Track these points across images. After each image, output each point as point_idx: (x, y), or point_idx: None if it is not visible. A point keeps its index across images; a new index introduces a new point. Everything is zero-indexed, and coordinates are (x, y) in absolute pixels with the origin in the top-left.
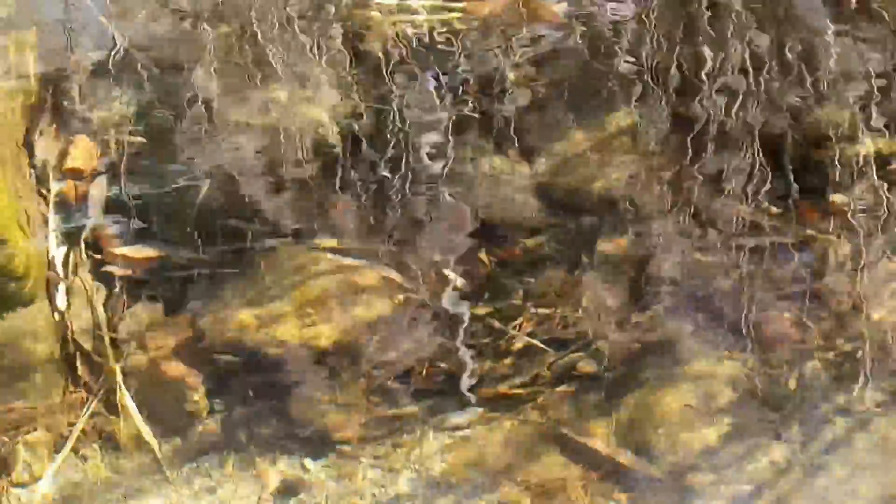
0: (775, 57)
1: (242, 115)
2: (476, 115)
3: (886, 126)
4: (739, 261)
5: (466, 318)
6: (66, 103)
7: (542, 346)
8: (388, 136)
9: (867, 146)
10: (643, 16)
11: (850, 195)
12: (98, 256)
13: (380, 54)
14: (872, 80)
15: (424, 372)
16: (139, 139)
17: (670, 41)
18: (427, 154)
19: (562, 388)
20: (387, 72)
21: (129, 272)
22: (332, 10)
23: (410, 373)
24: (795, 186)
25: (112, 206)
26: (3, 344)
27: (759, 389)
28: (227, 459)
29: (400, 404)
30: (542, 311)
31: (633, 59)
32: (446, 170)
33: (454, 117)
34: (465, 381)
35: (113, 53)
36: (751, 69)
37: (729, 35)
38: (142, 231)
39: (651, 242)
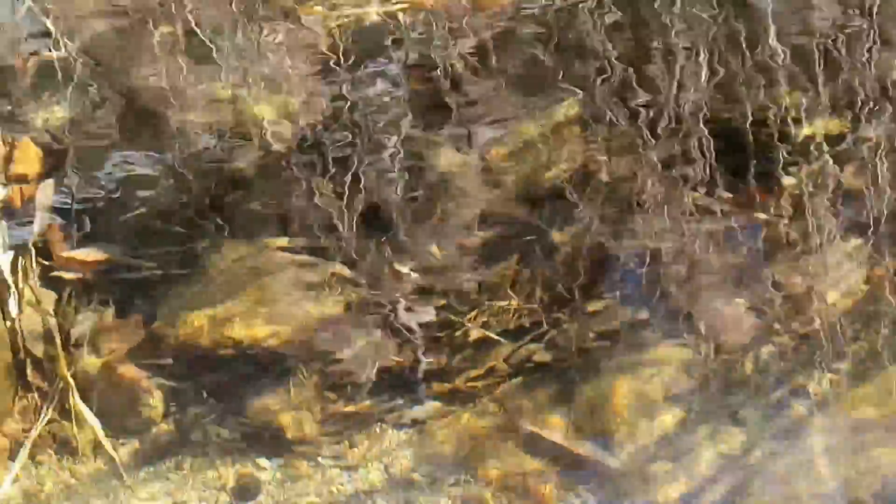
0: (723, 39)
1: (189, 115)
2: (425, 108)
3: (835, 106)
4: (692, 246)
5: (423, 312)
6: (8, 106)
7: (497, 337)
8: (337, 131)
9: (817, 127)
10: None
11: (801, 177)
12: (47, 262)
13: (325, 49)
14: (819, 60)
15: (379, 367)
16: (84, 141)
17: (618, 28)
18: (377, 148)
19: (518, 379)
20: (333, 66)
21: (79, 276)
22: (277, 5)
23: (364, 369)
24: (747, 169)
25: (58, 210)
26: None
27: (715, 375)
28: (185, 461)
29: (356, 401)
30: (496, 303)
31: (580, 47)
32: (397, 163)
33: (403, 111)
34: (421, 376)
35: (56, 55)
36: (700, 52)
37: (676, 19)
38: (90, 234)
39: (603, 231)
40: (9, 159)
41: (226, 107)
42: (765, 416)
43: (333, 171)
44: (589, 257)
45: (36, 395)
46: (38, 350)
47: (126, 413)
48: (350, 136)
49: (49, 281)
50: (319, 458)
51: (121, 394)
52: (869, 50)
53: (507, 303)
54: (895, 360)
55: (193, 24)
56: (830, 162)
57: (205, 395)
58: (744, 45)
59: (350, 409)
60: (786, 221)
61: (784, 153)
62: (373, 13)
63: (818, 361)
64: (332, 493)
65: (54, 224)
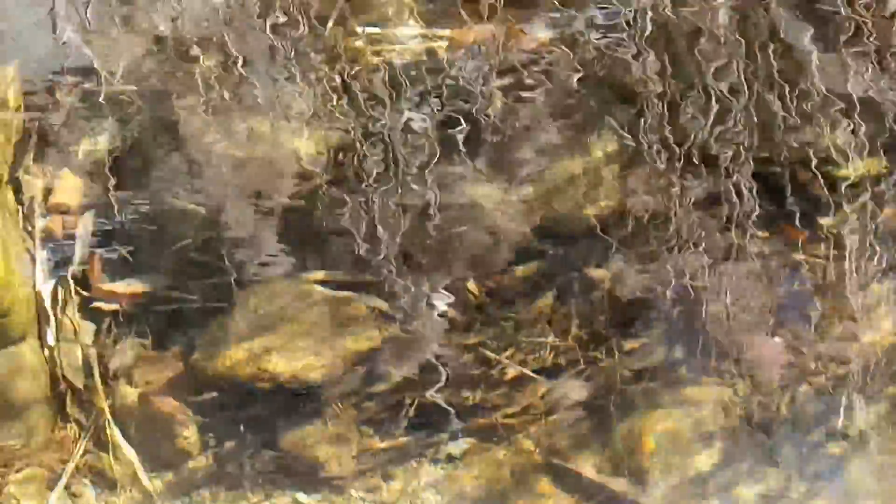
0: (762, 79)
1: (228, 148)
2: (463, 143)
3: (873, 147)
4: (730, 285)
5: (457, 348)
6: (50, 138)
7: (533, 375)
8: (375, 166)
9: (855, 168)
10: (629, 42)
11: (839, 217)
12: (86, 293)
13: (365, 84)
14: (857, 101)
15: (416, 403)
16: (124, 173)
17: (657, 66)
18: (415, 183)
19: (553, 417)
20: (372, 102)
21: (117, 308)
22: (317, 40)
23: (401, 404)
24: (785, 209)
25: (99, 242)
26: None
27: (751, 415)
28: (219, 494)
29: (391, 436)
30: (532, 339)
31: (619, 85)
32: (434, 200)
33: (441, 145)
34: (457, 412)
35: (97, 87)
36: (739, 91)
37: (716, 58)
38: (129, 266)
39: (640, 269)
40: (50, 190)
41: (265, 139)
42: (801, 456)
43: (371, 204)
44: (625, 295)
45: (74, 426)
46: (77, 381)
47: (162, 445)
48: (387, 171)
49: (88, 312)
50: (354, 493)
51: (157, 426)
52: None
53: (543, 340)
54: None
55: (234, 56)
56: (870, 202)
57: (241, 428)
58: (784, 86)
59: (385, 444)
60: (823, 261)
61: (822, 193)
62: (415, 49)
63: (855, 402)
64: None
65: (94, 255)
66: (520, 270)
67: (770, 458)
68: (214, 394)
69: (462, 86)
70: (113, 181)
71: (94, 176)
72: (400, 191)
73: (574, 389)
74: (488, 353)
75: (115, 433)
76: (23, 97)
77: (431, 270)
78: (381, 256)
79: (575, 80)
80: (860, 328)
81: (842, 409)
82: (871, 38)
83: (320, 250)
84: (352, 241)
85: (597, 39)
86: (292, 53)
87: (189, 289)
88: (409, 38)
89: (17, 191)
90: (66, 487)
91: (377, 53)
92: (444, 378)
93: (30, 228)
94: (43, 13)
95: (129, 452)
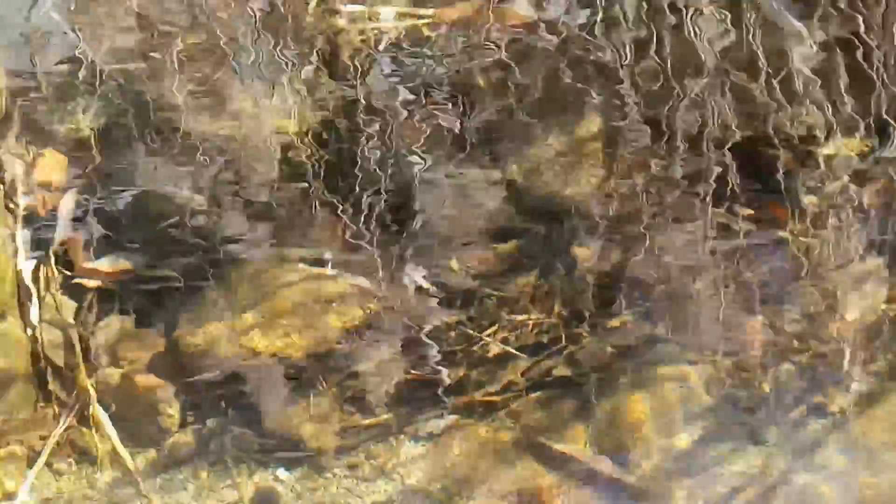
0: (745, 58)
1: (211, 126)
2: (446, 122)
3: (856, 126)
4: (711, 264)
5: (439, 325)
6: (33, 116)
7: (515, 352)
8: (358, 144)
9: (838, 146)
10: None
11: (822, 196)
12: (68, 272)
13: (347, 62)
14: (840, 81)
15: (397, 380)
16: (106, 152)
17: (639, 45)
18: (397, 161)
19: (536, 394)
20: (355, 79)
21: (99, 285)
22: (300, 19)
23: (383, 382)
24: (767, 187)
25: (80, 220)
26: None
27: (733, 393)
28: (202, 471)
29: (374, 413)
30: (515, 317)
31: (601, 64)
32: (417, 178)
33: (424, 125)
34: (439, 389)
35: (80, 66)
36: (721, 71)
37: (697, 38)
38: (111, 244)
39: (623, 247)
40: (33, 168)
41: (248, 118)
42: (783, 434)
43: (353, 182)
44: (608, 273)
45: (55, 403)
46: (59, 359)
47: (144, 422)
48: (369, 149)
49: (70, 290)
50: (336, 470)
51: (139, 403)
52: (885, 66)
53: (525, 317)
54: None
55: (218, 36)
56: (850, 181)
57: (223, 405)
58: (766, 63)
59: (368, 421)
60: (805, 239)
61: (805, 171)
62: (397, 27)
63: (837, 380)
64: None
65: (76, 233)
66: (502, 248)
67: (752, 436)
68: (196, 370)
69: (444, 64)
70: (96, 160)
71: (76, 154)
72: (383, 169)
73: (556, 367)
74: (470, 330)
75: (97, 410)
76: (5, 75)
77: (414, 248)
78: (365, 236)
79: (558, 58)
80: (842, 305)
81: (823, 387)
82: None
83: (303, 228)
84: (335, 218)
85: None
86: (276, 32)
87: (171, 266)
88: (391, 16)
89: None
90: (49, 465)
91: (360, 32)
92: (436, 354)
93: (11, 206)
94: None
95: (111, 430)
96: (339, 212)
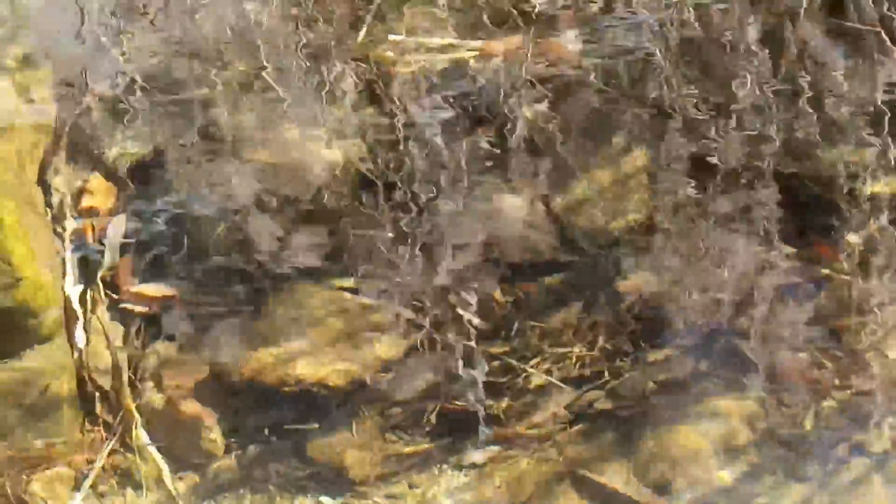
0: (789, 94)
1: (257, 155)
2: (491, 154)
3: None
4: (754, 300)
5: (483, 356)
6: (81, 141)
7: (558, 384)
8: (403, 175)
9: (882, 185)
10: (658, 55)
11: (865, 234)
12: (115, 296)
13: (394, 93)
14: (887, 119)
15: (440, 410)
16: (153, 177)
17: (685, 80)
18: (443, 193)
19: (578, 426)
20: (401, 110)
21: (146, 310)
22: (347, 48)
23: (425, 411)
24: (812, 225)
25: (129, 245)
26: (22, 382)
27: (775, 429)
28: (245, 498)
29: (416, 442)
30: (558, 349)
31: (647, 98)
32: (462, 209)
33: (469, 156)
34: (482, 420)
35: (128, 91)
36: (765, 107)
37: (743, 73)
38: (158, 270)
39: (667, 281)
40: (81, 193)
41: (294, 147)
42: (825, 471)
43: (399, 213)
44: (652, 307)
45: (101, 427)
46: (105, 382)
47: (187, 447)
48: (416, 179)
49: (117, 314)
50: (378, 499)
51: (183, 428)
52: None
53: (569, 350)
54: None
55: (265, 64)
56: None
57: (267, 432)
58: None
59: (410, 450)
60: (849, 278)
61: (849, 210)
62: (444, 59)
63: (879, 418)
64: None
65: (124, 258)
66: (547, 281)
67: (794, 472)
68: (240, 398)
69: (491, 96)
70: (143, 186)
71: (123, 180)
72: (428, 201)
73: (599, 400)
74: (513, 361)
75: (141, 434)
76: (54, 100)
77: (459, 279)
78: (409, 266)
79: (603, 93)
80: (885, 344)
81: (865, 425)
82: None
83: (348, 257)
84: (380, 248)
85: (625, 53)
86: (322, 61)
87: (217, 293)
88: (438, 47)
89: (47, 193)
90: (93, 487)
91: (407, 63)
92: (479, 386)
93: (59, 230)
94: (74, 17)
95: (154, 453)
96: (377, 241)
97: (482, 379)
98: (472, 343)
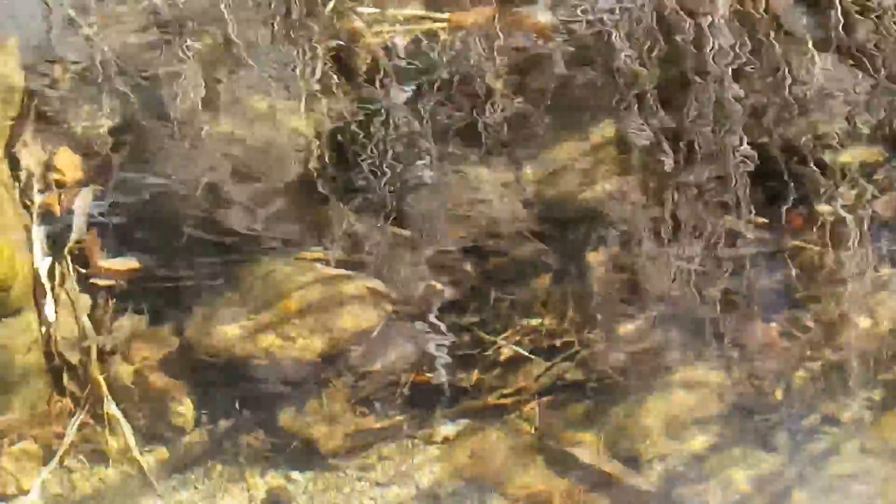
0: (759, 67)
1: (225, 126)
2: (461, 126)
3: (871, 135)
4: (725, 271)
5: (452, 328)
6: (49, 114)
7: (528, 356)
8: (373, 146)
9: (852, 155)
10: (627, 27)
11: (836, 205)
12: (83, 269)
13: (363, 64)
14: (856, 89)
15: (410, 383)
16: (122, 150)
17: (654, 52)
18: (412, 165)
19: (548, 398)
20: (370, 82)
21: (114, 284)
22: (315, 20)
23: (396, 384)
24: (782, 196)
25: (95, 218)
26: None
27: (745, 399)
28: (214, 471)
29: (386, 415)
30: (528, 321)
31: (616, 70)
32: (432, 180)
33: (439, 128)
34: (452, 392)
35: (96, 64)
36: (735, 79)
37: (712, 46)
38: (126, 243)
39: (637, 253)
40: (48, 166)
41: (262, 119)
42: (795, 441)
43: (368, 185)
44: (621, 279)
45: (69, 400)
46: (73, 356)
47: (157, 421)
48: (385, 151)
49: (85, 287)
50: (349, 472)
51: (152, 402)
52: None
53: (539, 322)
54: None
55: (232, 36)
56: (866, 190)
57: (236, 405)
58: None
59: (380, 423)
60: (820, 248)
61: (820, 181)
62: (413, 30)
63: (849, 389)
64: None
65: (92, 232)
66: (517, 252)
67: (764, 443)
68: (209, 371)
69: (460, 68)
70: (111, 158)
71: (91, 153)
72: (397, 173)
73: (569, 371)
74: (484, 334)
75: (110, 407)
76: (22, 72)
77: (429, 252)
78: (378, 237)
79: (572, 64)
80: (856, 315)
81: (836, 396)
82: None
83: (317, 229)
84: (349, 220)
85: (595, 25)
86: (291, 33)
87: (185, 266)
88: (408, 19)
89: (14, 167)
90: (61, 462)
91: (376, 34)
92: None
93: (27, 203)
94: None
95: (124, 427)
96: (352, 213)
97: (453, 351)
98: (441, 315)
